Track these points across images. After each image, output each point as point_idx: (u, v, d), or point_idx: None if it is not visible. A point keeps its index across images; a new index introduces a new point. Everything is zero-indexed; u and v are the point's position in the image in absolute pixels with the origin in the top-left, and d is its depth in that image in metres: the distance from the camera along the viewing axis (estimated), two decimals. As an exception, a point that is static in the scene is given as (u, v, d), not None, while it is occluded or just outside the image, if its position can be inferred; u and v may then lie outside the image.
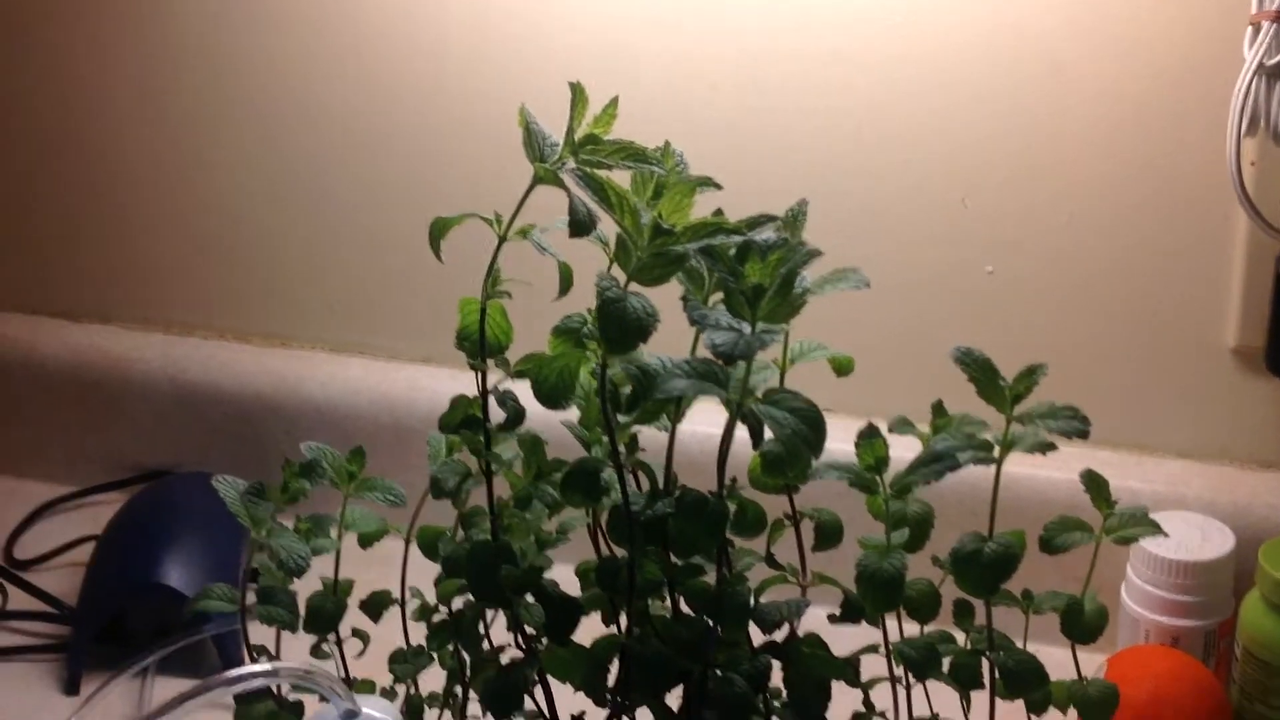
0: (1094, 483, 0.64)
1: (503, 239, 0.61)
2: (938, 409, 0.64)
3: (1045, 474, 1.00)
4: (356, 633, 0.74)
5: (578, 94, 0.58)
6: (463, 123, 1.06)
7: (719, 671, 0.56)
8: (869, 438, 0.61)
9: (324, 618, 0.71)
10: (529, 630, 0.60)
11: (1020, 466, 0.98)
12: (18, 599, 1.07)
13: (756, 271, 0.54)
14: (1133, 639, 0.95)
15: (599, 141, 0.58)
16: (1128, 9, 0.92)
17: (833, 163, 1.00)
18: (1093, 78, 0.94)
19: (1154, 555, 0.92)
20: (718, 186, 0.64)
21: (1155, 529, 0.65)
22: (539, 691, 0.61)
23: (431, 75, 1.06)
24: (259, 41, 1.09)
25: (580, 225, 0.56)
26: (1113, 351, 0.99)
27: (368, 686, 0.73)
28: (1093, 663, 0.87)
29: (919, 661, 0.60)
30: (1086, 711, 0.63)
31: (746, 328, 0.54)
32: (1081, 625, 0.63)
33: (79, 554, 1.10)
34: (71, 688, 0.97)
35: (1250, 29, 0.85)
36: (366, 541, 0.72)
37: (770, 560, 0.65)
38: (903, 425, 0.63)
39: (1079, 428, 0.58)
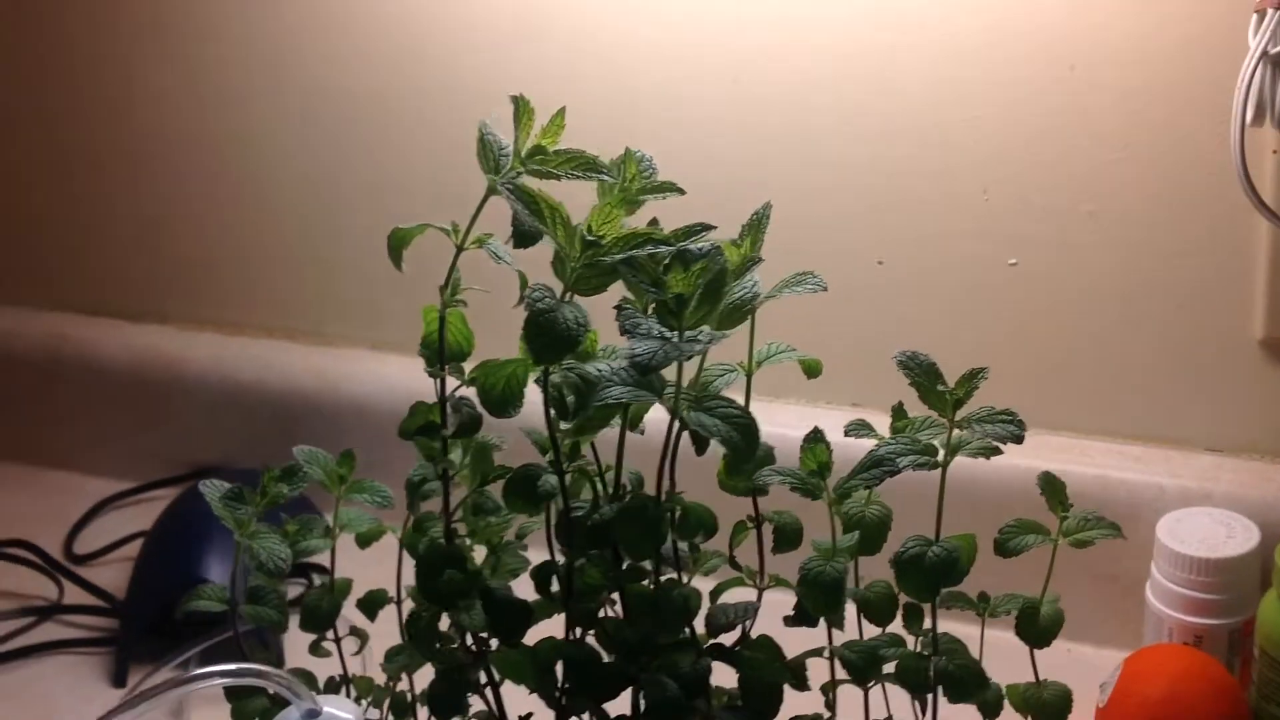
0: (1050, 485, 0.64)
1: (460, 248, 0.62)
2: (896, 411, 0.64)
3: (1075, 469, 0.99)
4: (355, 631, 0.76)
5: (521, 107, 0.59)
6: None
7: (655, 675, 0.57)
8: (812, 442, 0.61)
9: (319, 616, 0.73)
10: (481, 634, 0.62)
11: (1040, 462, 0.98)
12: (73, 593, 1.11)
13: (679, 282, 0.55)
14: (1156, 637, 0.94)
15: (545, 153, 0.59)
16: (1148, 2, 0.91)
17: (855, 157, 1.00)
18: (1110, 71, 0.93)
19: (1176, 551, 0.91)
20: (680, 191, 0.65)
21: (1114, 532, 0.65)
22: (492, 692, 0.63)
23: (473, 76, 1.07)
24: (313, 46, 1.12)
25: (523, 237, 0.58)
26: (1139, 344, 0.98)
27: (365, 683, 0.75)
28: (1113, 661, 0.87)
29: (859, 665, 0.60)
30: (1040, 715, 0.63)
31: (675, 336, 0.55)
32: (1036, 629, 0.63)
33: (132, 549, 1.13)
34: (119, 680, 1.00)
35: (1255, 16, 0.83)
36: (364, 542, 0.74)
37: (733, 563, 0.66)
38: (858, 428, 0.63)
39: (1015, 433, 0.58)
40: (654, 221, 0.61)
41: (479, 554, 0.65)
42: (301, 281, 1.20)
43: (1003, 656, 0.66)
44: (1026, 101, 0.95)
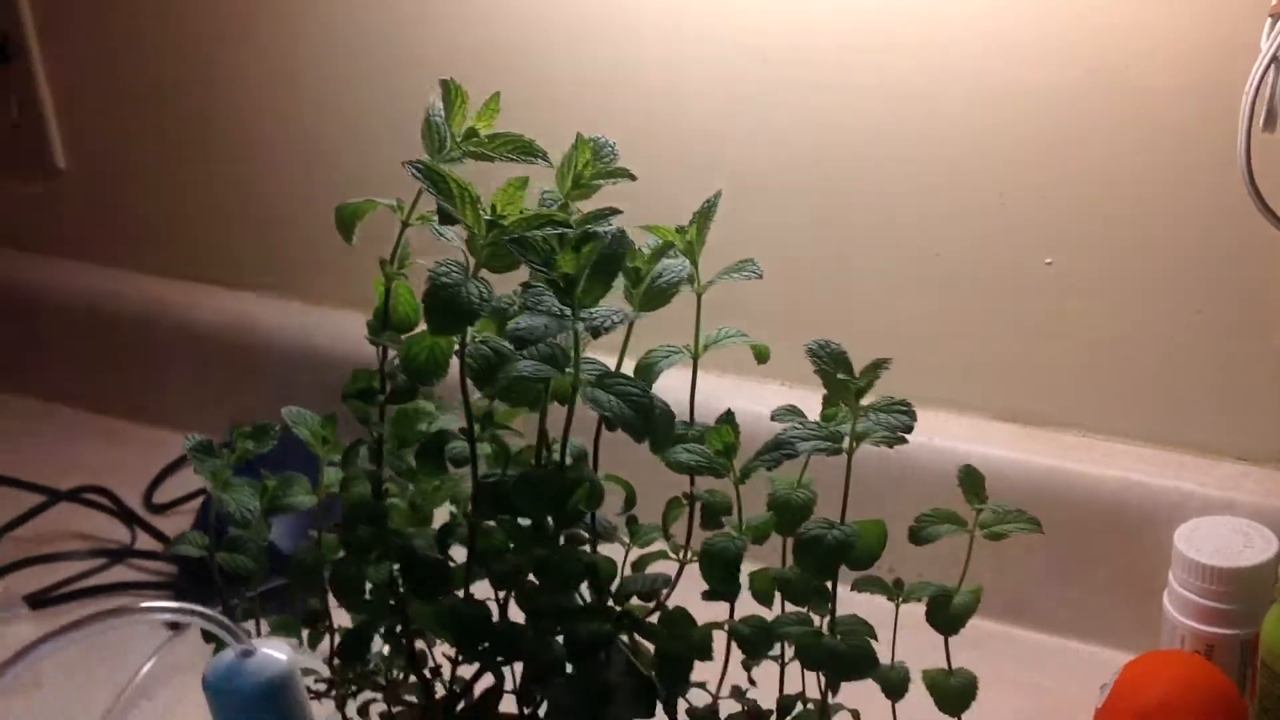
0: (969, 478, 0.65)
1: (405, 224, 0.66)
2: (826, 399, 0.66)
3: (1095, 471, 0.99)
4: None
5: (453, 91, 0.62)
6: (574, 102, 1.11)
7: (550, 637, 0.60)
8: (721, 424, 0.63)
9: (304, 569, 0.77)
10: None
11: (1064, 462, 0.98)
12: (145, 542, 1.18)
13: (568, 262, 0.57)
14: (1170, 644, 0.93)
15: (477, 135, 0.62)
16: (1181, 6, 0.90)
17: (893, 149, 1.01)
18: (1141, 74, 0.92)
19: (1191, 559, 0.90)
20: (631, 177, 0.67)
21: (1032, 527, 0.65)
22: (406, 641, 0.66)
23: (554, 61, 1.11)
24: (415, 36, 1.17)
25: (448, 216, 0.61)
26: (1169, 351, 0.98)
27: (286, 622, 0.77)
28: (1119, 663, 0.87)
29: (750, 640, 0.62)
30: (942, 700, 0.64)
31: (567, 314, 0.58)
32: (946, 616, 0.64)
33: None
34: (174, 625, 1.07)
35: (1269, 20, 0.82)
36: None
37: (666, 537, 0.68)
38: (785, 414, 0.65)
39: (906, 422, 0.59)
40: (614, 210, 0.63)
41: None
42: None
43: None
44: (1053, 104, 0.95)
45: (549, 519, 0.61)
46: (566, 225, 0.58)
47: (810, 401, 0.68)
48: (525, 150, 0.64)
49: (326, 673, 0.68)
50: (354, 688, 0.65)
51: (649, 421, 0.58)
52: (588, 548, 0.66)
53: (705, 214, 0.68)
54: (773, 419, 0.66)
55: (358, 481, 0.65)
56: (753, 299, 1.03)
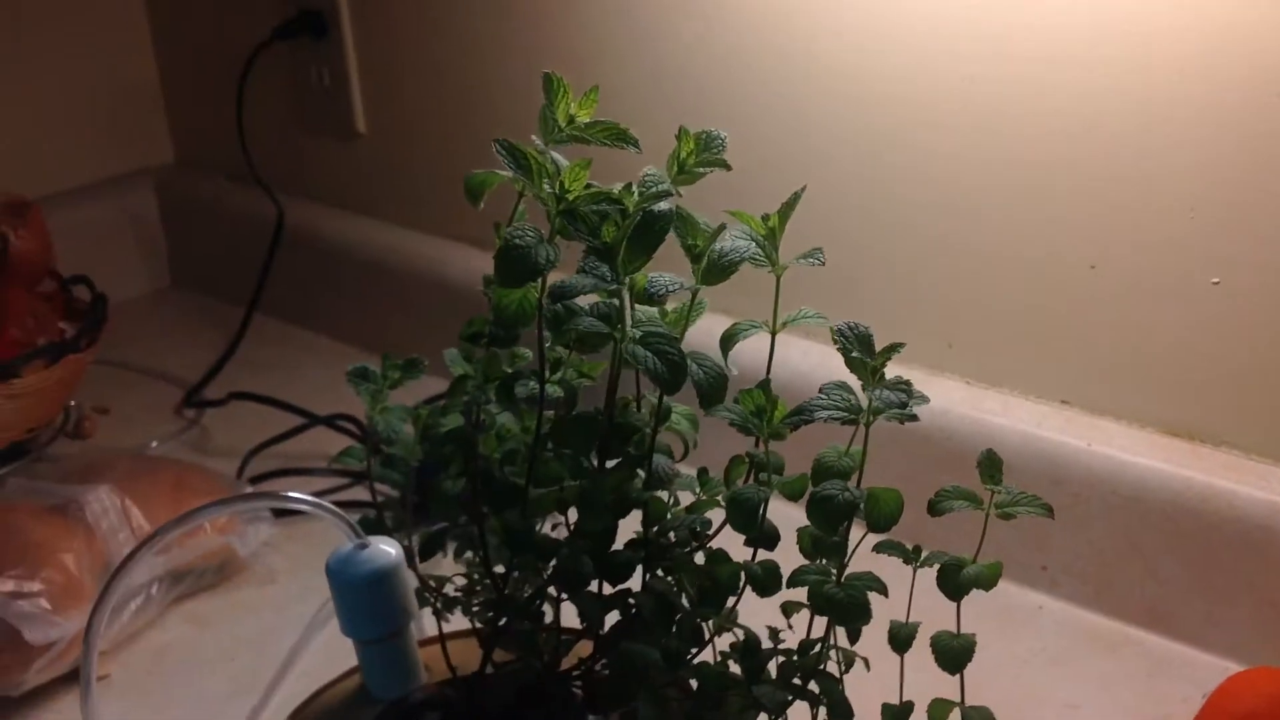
0: (989, 461, 0.71)
1: (520, 194, 0.76)
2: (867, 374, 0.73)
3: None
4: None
5: (556, 84, 0.72)
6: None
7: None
8: (757, 388, 0.71)
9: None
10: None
11: (1222, 480, 1.02)
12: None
13: (610, 232, 0.67)
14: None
15: (575, 122, 0.72)
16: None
17: (1068, 163, 1.07)
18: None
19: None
20: (726, 167, 0.76)
21: (1043, 511, 0.71)
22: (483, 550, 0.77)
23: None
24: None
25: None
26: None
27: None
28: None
29: (762, 580, 0.70)
30: (940, 656, 0.70)
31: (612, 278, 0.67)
32: (955, 583, 0.70)
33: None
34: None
35: None
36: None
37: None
38: (834, 388, 0.72)
39: (903, 399, 0.66)
40: (667, 193, 0.71)
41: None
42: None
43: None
44: (1235, 124, 0.98)
45: (583, 452, 0.71)
46: (620, 203, 0.68)
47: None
48: (619, 137, 0.73)
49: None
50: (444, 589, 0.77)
51: (679, 377, 0.67)
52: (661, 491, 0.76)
53: (790, 205, 0.76)
54: (820, 392, 0.73)
55: (455, 409, 0.77)
56: (945, 290, 1.11)
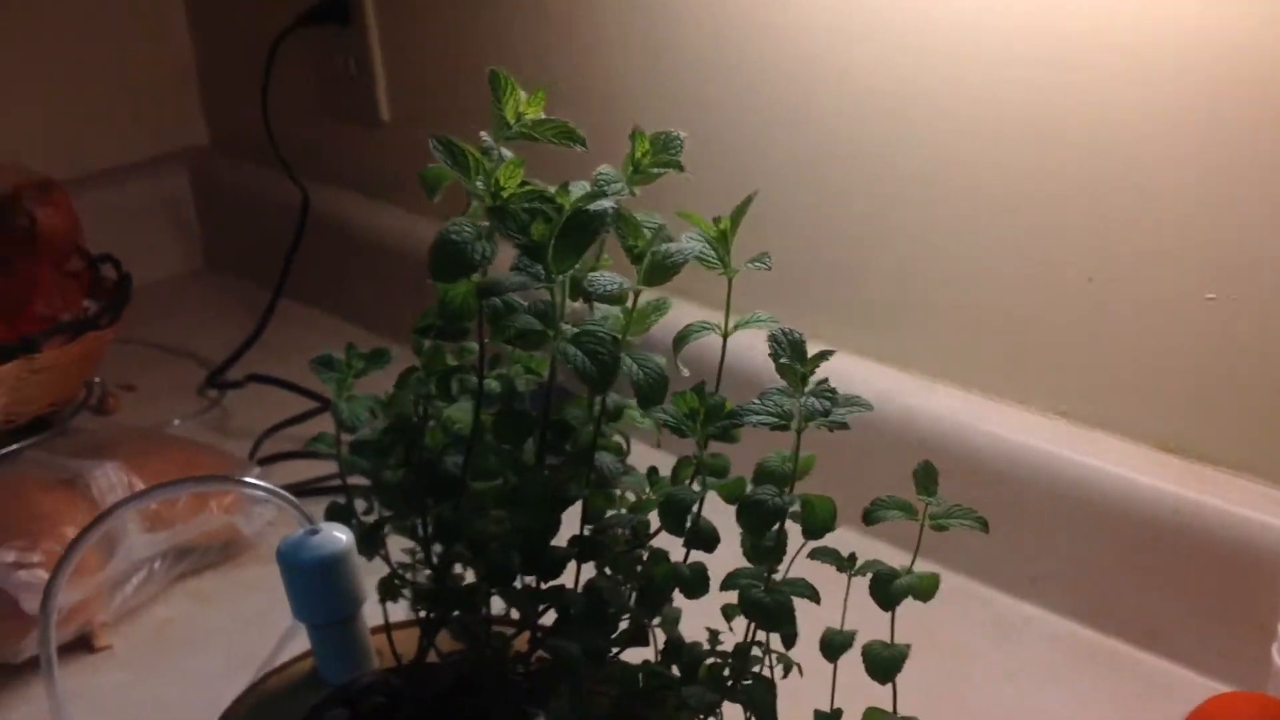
0: (924, 473, 0.71)
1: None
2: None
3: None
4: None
5: (503, 81, 0.73)
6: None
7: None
8: (692, 392, 0.72)
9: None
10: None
11: (1211, 498, 1.01)
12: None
13: (539, 231, 0.67)
14: (1277, 693, 0.95)
15: (522, 119, 0.73)
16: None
17: (1067, 172, 1.06)
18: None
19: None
20: (680, 168, 0.77)
21: (977, 524, 0.71)
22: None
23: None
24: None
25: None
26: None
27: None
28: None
29: (690, 581, 0.71)
30: (871, 665, 0.71)
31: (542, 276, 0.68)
32: (887, 592, 0.70)
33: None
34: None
35: None
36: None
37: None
38: (776, 393, 0.72)
39: (828, 406, 0.66)
40: (603, 193, 0.72)
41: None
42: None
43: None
44: (1236, 139, 0.97)
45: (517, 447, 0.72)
46: (552, 202, 0.68)
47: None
48: (566, 135, 0.74)
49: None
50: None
51: (606, 377, 0.67)
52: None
53: (740, 210, 0.76)
54: (758, 398, 0.73)
55: (403, 400, 0.78)
56: (946, 299, 1.11)
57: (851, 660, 0.73)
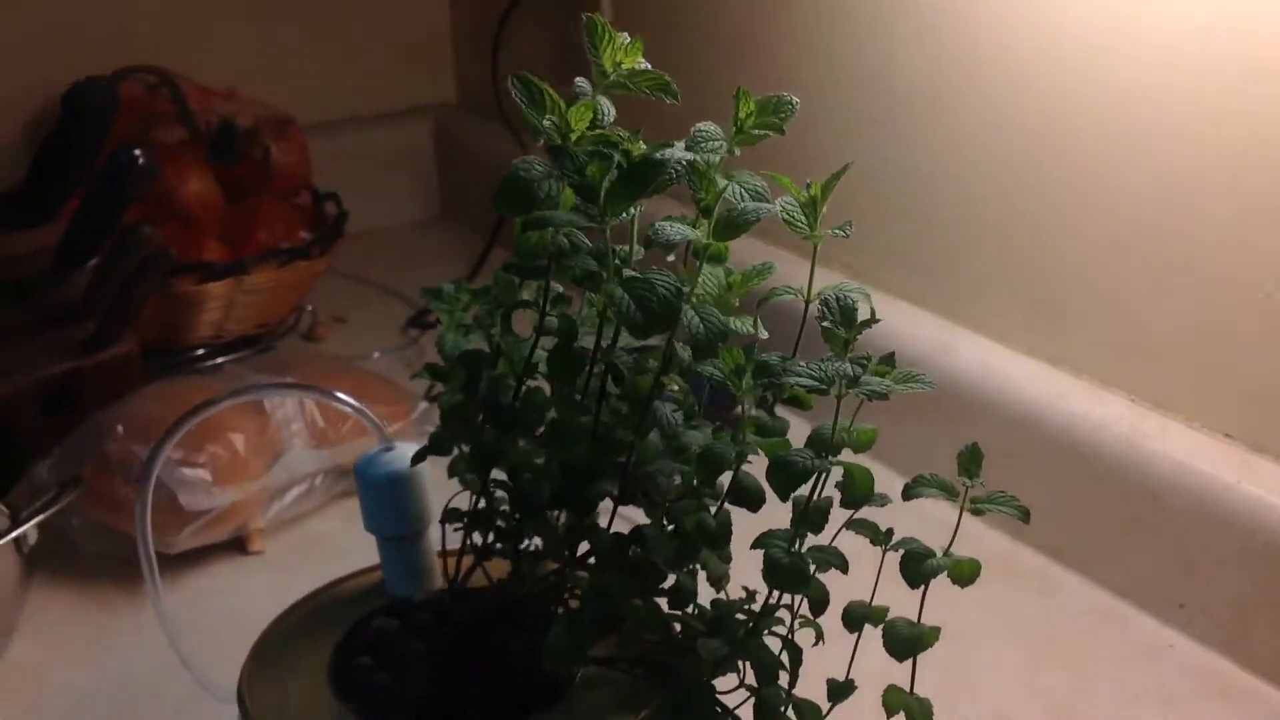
0: (969, 456, 0.69)
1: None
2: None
3: None
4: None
5: (601, 28, 0.74)
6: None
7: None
8: (739, 348, 0.72)
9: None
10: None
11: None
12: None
13: (594, 172, 0.69)
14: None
15: (619, 69, 0.75)
16: None
17: (1248, 181, 1.03)
18: None
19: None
20: (780, 132, 0.77)
21: (1018, 512, 0.69)
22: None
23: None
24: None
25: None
26: None
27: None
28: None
29: (714, 534, 0.71)
30: (890, 643, 0.70)
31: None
32: (915, 570, 0.69)
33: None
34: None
35: None
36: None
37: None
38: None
39: (858, 372, 0.66)
40: (669, 144, 0.73)
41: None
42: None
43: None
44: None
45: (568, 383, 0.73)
46: (614, 145, 0.69)
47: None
48: (660, 87, 0.75)
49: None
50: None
51: (653, 324, 0.68)
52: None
53: (833, 179, 0.76)
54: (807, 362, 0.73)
55: (476, 331, 0.80)
56: (1099, 303, 1.08)
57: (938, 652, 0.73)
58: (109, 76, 1.51)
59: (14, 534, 1.00)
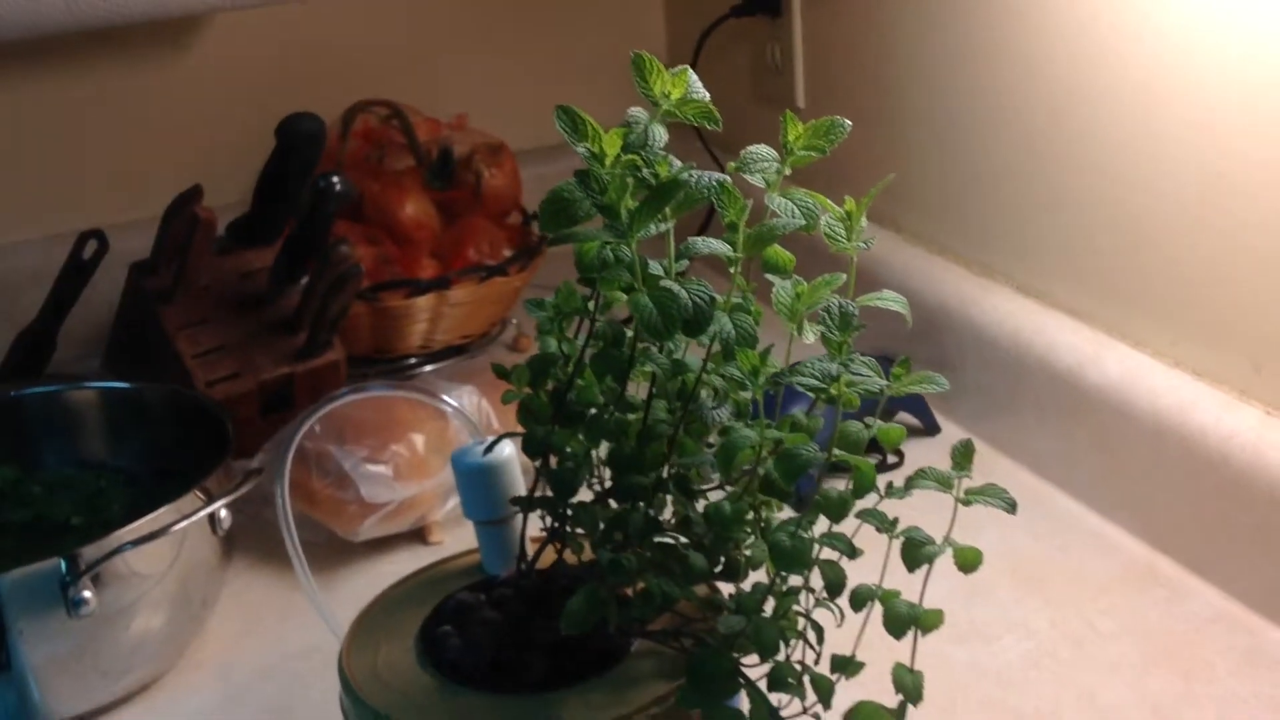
0: (962, 450, 0.74)
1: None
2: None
3: None
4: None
5: (648, 63, 0.82)
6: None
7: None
8: (756, 352, 0.79)
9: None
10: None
11: None
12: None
13: (613, 194, 0.76)
14: None
15: (667, 98, 0.83)
16: None
17: None
18: None
19: None
20: (823, 153, 0.85)
21: (1006, 505, 0.73)
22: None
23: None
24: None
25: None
26: None
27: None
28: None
29: (726, 520, 0.78)
30: (887, 619, 0.75)
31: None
32: (914, 555, 0.75)
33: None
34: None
35: None
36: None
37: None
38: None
39: (867, 375, 0.72)
40: (694, 167, 0.81)
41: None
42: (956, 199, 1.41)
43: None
44: None
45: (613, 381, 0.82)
46: (638, 169, 0.77)
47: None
48: (704, 115, 0.83)
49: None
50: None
51: (671, 327, 0.76)
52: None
53: (871, 194, 0.82)
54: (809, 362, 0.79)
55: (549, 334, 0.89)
56: (1235, 314, 1.11)
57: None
58: (347, 110, 1.68)
59: (203, 512, 1.13)
